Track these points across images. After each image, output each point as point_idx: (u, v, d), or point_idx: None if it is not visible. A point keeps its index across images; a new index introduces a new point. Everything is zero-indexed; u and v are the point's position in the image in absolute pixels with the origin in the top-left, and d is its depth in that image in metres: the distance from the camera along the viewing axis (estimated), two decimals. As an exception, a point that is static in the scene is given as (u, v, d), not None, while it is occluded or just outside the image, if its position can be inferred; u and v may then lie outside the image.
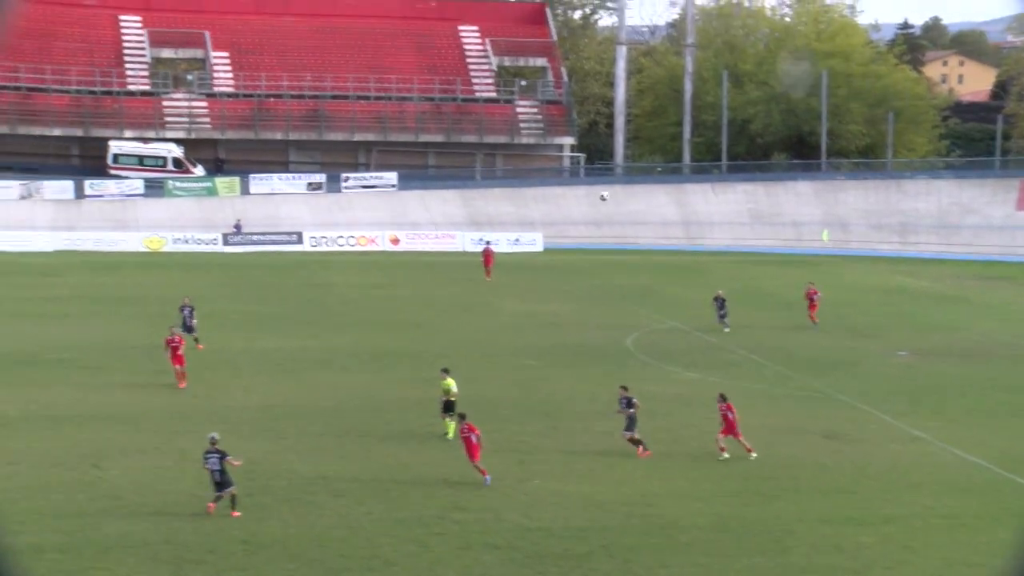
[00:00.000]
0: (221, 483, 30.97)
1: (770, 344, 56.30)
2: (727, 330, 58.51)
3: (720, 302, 59.65)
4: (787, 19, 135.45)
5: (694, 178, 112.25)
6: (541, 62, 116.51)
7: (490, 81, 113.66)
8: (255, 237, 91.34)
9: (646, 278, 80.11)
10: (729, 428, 36.87)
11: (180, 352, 45.03)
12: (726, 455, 36.74)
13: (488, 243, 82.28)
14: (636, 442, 37.08)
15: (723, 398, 37.33)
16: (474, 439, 33.72)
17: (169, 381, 44.95)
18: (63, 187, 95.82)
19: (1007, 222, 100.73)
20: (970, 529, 31.31)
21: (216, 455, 31.07)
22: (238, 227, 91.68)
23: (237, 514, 30.96)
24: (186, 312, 52.11)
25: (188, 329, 51.00)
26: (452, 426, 37.98)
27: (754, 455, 36.90)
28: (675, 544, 29.97)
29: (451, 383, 39.42)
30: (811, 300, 61.24)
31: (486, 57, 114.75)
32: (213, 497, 31.05)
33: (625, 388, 37.78)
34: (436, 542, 29.79)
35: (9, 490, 33.25)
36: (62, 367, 48.44)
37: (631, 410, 37.11)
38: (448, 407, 38.74)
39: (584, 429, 39.86)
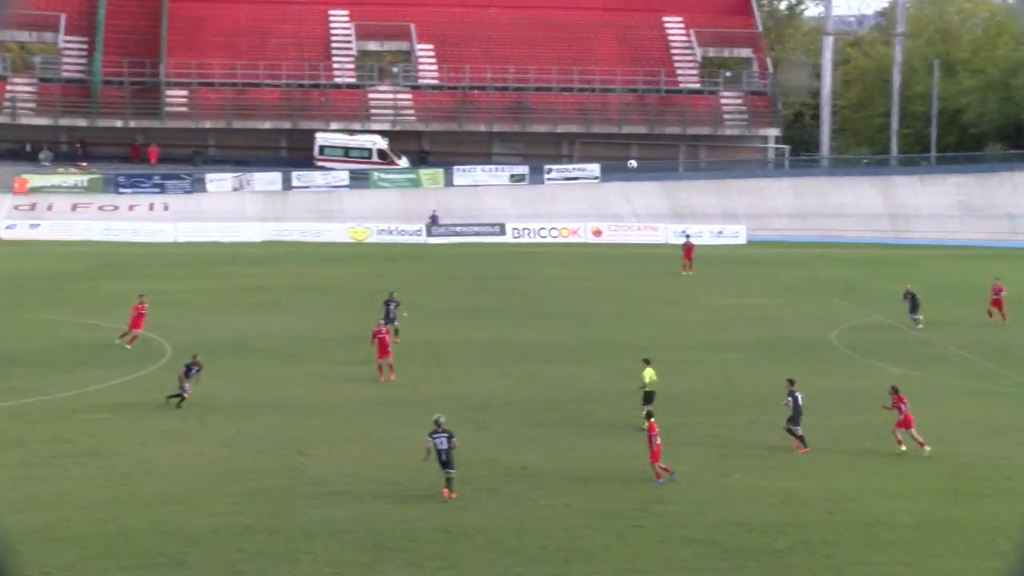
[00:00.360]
0: (446, 463, 31.70)
1: (979, 340, 54.82)
2: (920, 327, 57.04)
3: (910, 297, 58.23)
4: (1010, 1, 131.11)
5: (902, 170, 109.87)
6: (746, 53, 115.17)
7: (694, 72, 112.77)
8: (458, 228, 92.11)
9: (851, 271, 78.72)
10: (904, 420, 36.28)
11: (388, 345, 45.52)
12: (903, 447, 36.28)
13: (688, 236, 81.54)
14: (796, 435, 36.79)
15: (895, 390, 36.88)
16: (657, 440, 33.55)
17: (371, 372, 45.55)
18: (271, 179, 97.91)
19: None
20: None
21: (444, 435, 31.89)
22: (434, 218, 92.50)
23: (454, 495, 31.73)
24: (391, 307, 52.80)
25: (389, 320, 51.84)
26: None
27: (927, 449, 36.13)
28: (879, 541, 29.37)
29: (651, 373, 39.46)
30: (997, 296, 59.38)
31: (690, 48, 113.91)
32: (444, 481, 31.82)
33: (791, 382, 37.38)
34: (635, 535, 29.69)
35: (224, 472, 34.26)
36: (269, 356, 49.53)
37: (790, 400, 36.81)
38: (648, 397, 38.86)
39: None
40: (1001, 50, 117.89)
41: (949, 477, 34.28)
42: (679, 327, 57.76)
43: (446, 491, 31.71)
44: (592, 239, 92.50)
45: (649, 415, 34.34)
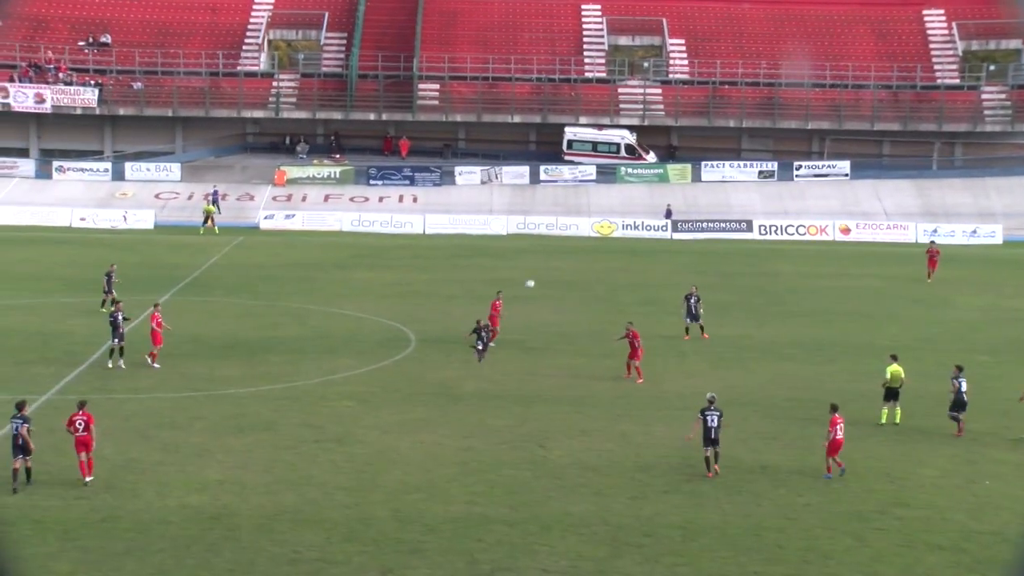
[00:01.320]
0: (715, 440, 32.99)
1: None
2: None
3: None
4: None
5: None
6: (1015, 44, 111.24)
7: (954, 67, 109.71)
8: (704, 224, 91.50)
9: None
10: None
11: (638, 345, 45.26)
12: None
13: (934, 241, 78.74)
14: (956, 420, 37.30)
15: None
16: (839, 434, 33.19)
17: (613, 366, 45.58)
18: (520, 172, 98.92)
19: None
20: None
21: (716, 413, 33.09)
22: (668, 213, 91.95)
23: (712, 471, 33.05)
24: (692, 301, 52.70)
25: (693, 317, 52.23)
26: (886, 413, 38.59)
27: None
28: None
29: (897, 369, 38.80)
30: None
31: (951, 42, 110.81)
32: (706, 462, 33.01)
33: (960, 368, 37.91)
34: (875, 538, 29.10)
35: (464, 462, 34.67)
36: (513, 348, 49.89)
37: (955, 383, 37.30)
38: (889, 394, 38.48)
39: (1040, 431, 38.05)
40: None
41: None
42: (927, 327, 56.39)
43: (711, 472, 32.99)
44: (840, 237, 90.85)
45: (834, 408, 33.73)
